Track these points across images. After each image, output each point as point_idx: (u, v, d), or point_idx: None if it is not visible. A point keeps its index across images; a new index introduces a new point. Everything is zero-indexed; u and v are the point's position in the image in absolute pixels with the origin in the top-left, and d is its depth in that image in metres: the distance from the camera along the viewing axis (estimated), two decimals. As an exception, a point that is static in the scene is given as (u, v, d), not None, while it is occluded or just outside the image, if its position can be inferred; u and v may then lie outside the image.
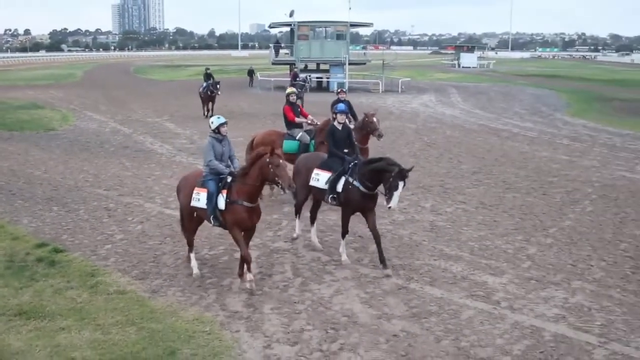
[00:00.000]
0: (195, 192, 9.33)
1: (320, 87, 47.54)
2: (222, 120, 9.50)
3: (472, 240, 11.45)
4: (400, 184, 9.26)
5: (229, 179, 9.07)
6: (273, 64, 53.32)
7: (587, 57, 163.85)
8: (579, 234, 11.88)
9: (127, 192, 15.02)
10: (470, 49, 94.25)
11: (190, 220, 9.80)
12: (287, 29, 53.74)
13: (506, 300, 8.82)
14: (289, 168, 9.60)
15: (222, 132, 9.39)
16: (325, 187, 10.21)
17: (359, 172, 9.82)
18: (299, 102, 16.80)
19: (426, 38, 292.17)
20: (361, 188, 9.73)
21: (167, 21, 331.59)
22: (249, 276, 8.98)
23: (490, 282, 9.46)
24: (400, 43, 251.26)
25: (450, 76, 63.56)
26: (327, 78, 47.89)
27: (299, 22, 48.40)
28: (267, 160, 8.68)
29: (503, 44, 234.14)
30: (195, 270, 9.68)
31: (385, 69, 50.08)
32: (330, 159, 10.49)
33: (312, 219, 11.09)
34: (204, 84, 29.63)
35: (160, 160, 19.13)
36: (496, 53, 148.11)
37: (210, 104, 29.29)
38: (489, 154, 20.30)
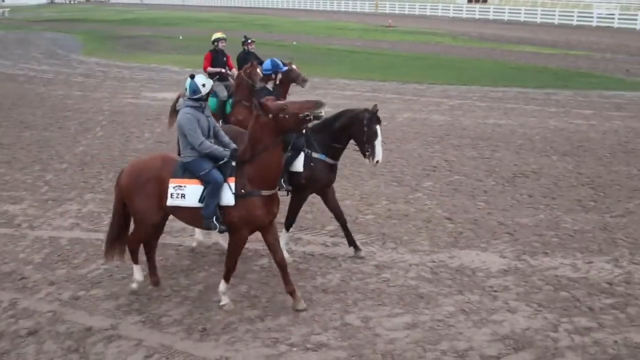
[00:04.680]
0: (173, 186, 6.20)
1: None
2: (211, 80, 6.54)
3: (-8, 178, 11.35)
4: (378, 129, 7.18)
5: (233, 162, 6.15)
6: None
7: (101, 1, 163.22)
8: (91, 157, 12.75)
9: None
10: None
11: (152, 230, 6.64)
12: None
13: (26, 222, 9.23)
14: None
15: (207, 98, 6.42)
16: None
17: (317, 142, 7.39)
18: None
19: None
20: (327, 160, 7.44)
21: None
22: (222, 286, 6.56)
23: (11, 210, 9.71)
24: None
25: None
26: None
27: None
28: (276, 108, 5.86)
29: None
30: (139, 277, 6.94)
31: None
32: None
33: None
34: None
35: None
36: (4, 1, 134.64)
37: None
38: (6, 99, 19.41)
